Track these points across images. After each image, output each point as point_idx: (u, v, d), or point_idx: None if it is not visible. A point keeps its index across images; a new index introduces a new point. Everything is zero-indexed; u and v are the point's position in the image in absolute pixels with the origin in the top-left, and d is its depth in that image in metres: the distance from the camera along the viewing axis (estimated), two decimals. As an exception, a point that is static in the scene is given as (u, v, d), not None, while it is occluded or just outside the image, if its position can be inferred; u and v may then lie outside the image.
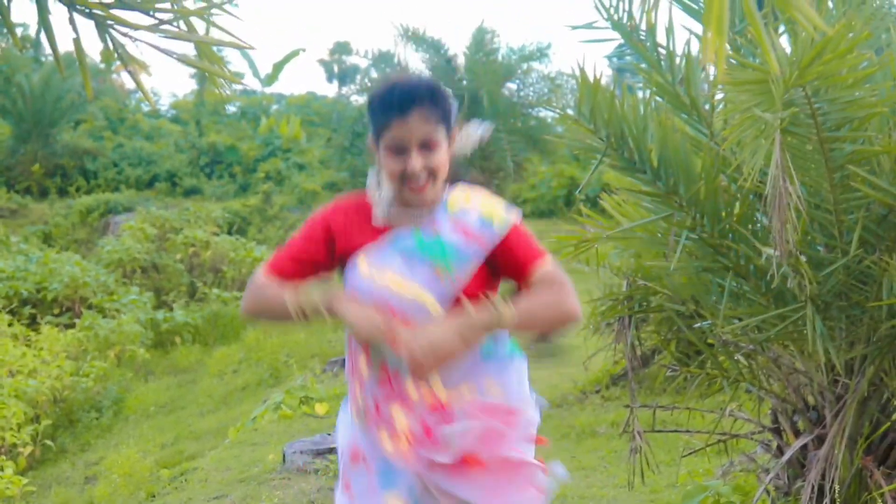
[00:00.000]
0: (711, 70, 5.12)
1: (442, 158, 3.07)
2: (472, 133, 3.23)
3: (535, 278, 3.04)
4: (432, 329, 2.93)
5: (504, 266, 3.12)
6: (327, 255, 3.16)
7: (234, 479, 7.76)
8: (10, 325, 14.68)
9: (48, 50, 35.08)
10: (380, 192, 3.15)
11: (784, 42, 4.93)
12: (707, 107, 5.14)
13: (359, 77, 34.58)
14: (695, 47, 5.16)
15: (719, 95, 5.04)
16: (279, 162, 33.07)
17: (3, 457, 10.53)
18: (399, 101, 3.02)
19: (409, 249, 3.08)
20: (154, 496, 8.21)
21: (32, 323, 16.14)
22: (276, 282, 3.09)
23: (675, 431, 6.46)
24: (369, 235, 3.14)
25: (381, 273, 3.07)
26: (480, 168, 20.71)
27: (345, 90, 43.47)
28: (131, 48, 2.90)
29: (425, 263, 3.06)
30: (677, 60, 5.12)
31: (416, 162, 3.02)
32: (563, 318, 3.00)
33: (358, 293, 3.07)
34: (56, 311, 16.75)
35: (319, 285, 3.11)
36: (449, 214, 3.13)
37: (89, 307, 16.76)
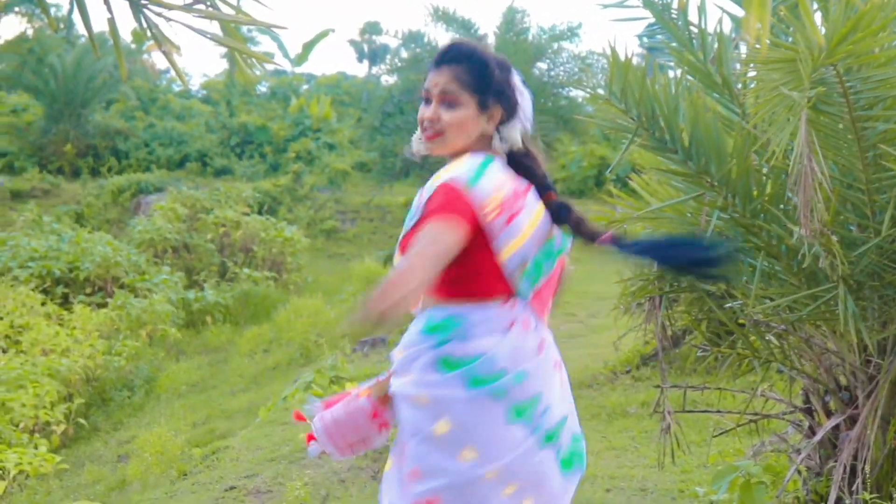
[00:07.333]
0: (743, 49, 5.10)
1: (457, 118, 3.18)
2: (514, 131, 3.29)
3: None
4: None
5: None
6: None
7: (264, 458, 7.79)
8: (42, 304, 14.77)
9: (80, 30, 35.19)
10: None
11: (818, 21, 4.90)
12: (739, 86, 5.12)
13: (389, 57, 34.58)
14: (727, 26, 5.14)
15: (751, 73, 5.01)
16: (309, 142, 33.06)
17: (37, 435, 10.61)
18: (439, 54, 3.26)
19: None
20: (186, 475, 8.25)
21: (65, 302, 16.21)
22: None
23: (706, 412, 6.45)
24: None
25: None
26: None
27: (375, 70, 43.45)
28: (164, 28, 2.91)
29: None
30: (709, 39, 5.10)
31: (428, 111, 3.21)
32: (395, 291, 2.88)
33: None
34: (88, 290, 16.81)
35: None
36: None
37: (121, 287, 16.81)
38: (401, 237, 3.15)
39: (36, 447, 9.92)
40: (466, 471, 3.03)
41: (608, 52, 4.72)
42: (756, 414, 5.88)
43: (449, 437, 3.04)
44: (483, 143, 3.24)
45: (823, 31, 4.13)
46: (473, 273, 3.12)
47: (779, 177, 4.82)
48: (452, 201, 3.03)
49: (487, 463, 3.04)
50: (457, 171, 3.11)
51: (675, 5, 5.18)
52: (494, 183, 3.11)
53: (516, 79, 3.29)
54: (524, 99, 3.30)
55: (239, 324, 17.15)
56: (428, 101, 3.23)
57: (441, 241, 2.97)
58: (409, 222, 3.14)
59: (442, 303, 3.15)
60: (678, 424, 5.69)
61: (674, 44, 5.27)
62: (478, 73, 3.19)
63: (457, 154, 3.22)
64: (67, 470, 9.91)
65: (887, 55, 4.15)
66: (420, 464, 3.06)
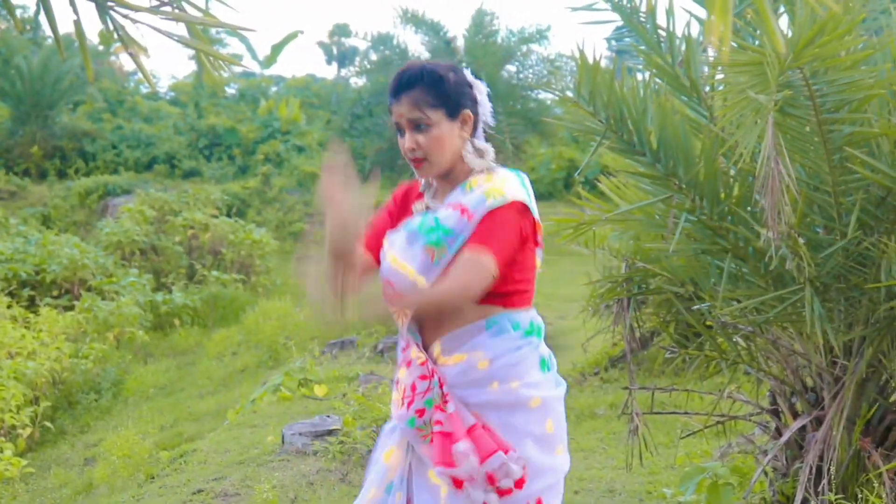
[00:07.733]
0: (711, 52, 5.12)
1: (432, 138, 3.20)
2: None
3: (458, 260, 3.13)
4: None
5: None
6: (392, 225, 3.38)
7: (233, 460, 7.76)
8: (8, 306, 14.66)
9: (47, 32, 34.91)
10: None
11: (783, 24, 4.93)
12: (707, 89, 5.14)
13: (358, 59, 34.54)
14: (695, 29, 5.17)
15: (719, 76, 5.03)
16: (278, 144, 32.94)
17: (3, 438, 10.53)
18: (393, 86, 3.26)
19: (412, 230, 3.24)
20: (153, 478, 8.20)
21: (31, 305, 16.08)
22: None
23: (674, 413, 6.48)
24: (408, 214, 3.38)
25: (390, 252, 3.27)
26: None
27: (344, 72, 43.37)
28: (131, 29, 2.90)
29: (420, 244, 3.19)
30: (677, 42, 5.12)
31: (406, 141, 3.23)
32: (450, 300, 3.09)
33: (381, 270, 3.30)
34: (55, 293, 16.69)
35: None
36: (464, 192, 3.23)
37: (88, 289, 16.70)
38: (445, 255, 3.16)
39: (1, 451, 9.86)
40: (560, 466, 3.24)
41: (577, 54, 4.74)
42: (723, 415, 5.91)
43: (552, 436, 3.20)
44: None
45: (790, 34, 4.16)
46: (531, 280, 3.27)
47: (746, 179, 4.85)
48: (530, 223, 3.20)
49: (567, 454, 3.28)
50: (514, 190, 3.19)
51: (643, 8, 5.20)
52: (533, 199, 3.25)
53: (469, 76, 3.34)
54: (481, 94, 3.34)
55: (207, 326, 17.08)
56: (401, 131, 3.24)
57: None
58: (450, 239, 3.16)
59: (513, 309, 3.21)
60: (646, 426, 5.71)
61: (642, 47, 5.29)
62: (434, 89, 3.21)
63: (451, 168, 3.27)
64: (33, 474, 9.84)
65: (853, 58, 4.18)
66: (528, 467, 3.11)
